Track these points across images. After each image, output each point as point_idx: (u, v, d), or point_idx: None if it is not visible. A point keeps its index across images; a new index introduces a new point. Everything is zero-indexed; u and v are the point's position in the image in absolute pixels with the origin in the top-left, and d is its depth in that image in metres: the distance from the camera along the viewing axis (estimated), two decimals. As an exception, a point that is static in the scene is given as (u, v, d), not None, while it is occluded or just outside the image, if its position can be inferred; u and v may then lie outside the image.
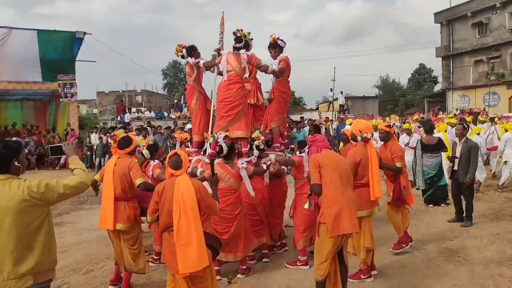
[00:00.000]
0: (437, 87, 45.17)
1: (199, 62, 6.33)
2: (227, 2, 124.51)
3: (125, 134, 5.24)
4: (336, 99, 29.45)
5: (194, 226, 3.63)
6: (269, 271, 5.55)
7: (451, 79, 34.29)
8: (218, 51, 6.57)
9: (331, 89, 30.13)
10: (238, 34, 6.15)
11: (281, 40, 6.61)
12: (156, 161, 5.98)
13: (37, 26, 19.88)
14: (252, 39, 6.89)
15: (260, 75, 7.16)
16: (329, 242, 4.11)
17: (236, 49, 6.08)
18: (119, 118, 21.04)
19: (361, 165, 5.06)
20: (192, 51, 6.41)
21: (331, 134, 11.71)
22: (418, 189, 9.04)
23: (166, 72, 61.61)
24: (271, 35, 6.59)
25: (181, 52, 6.42)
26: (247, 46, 6.71)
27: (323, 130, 6.55)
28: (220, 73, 6.73)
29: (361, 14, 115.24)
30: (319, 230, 4.19)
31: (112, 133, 5.77)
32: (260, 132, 6.28)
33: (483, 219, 7.74)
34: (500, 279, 5.04)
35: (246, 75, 6.11)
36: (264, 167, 5.58)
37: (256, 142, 5.93)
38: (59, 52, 19.64)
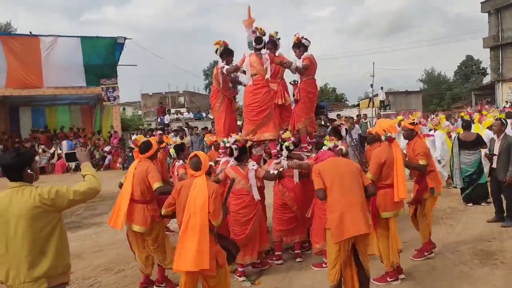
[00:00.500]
0: (486, 79, 43.17)
1: (223, 68, 6.30)
2: (269, 1, 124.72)
3: (146, 139, 5.37)
4: (377, 95, 28.76)
5: (200, 227, 3.74)
6: (294, 272, 5.52)
7: (500, 71, 32.58)
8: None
9: (371, 85, 29.42)
10: (258, 34, 6.12)
11: (306, 39, 6.55)
12: (181, 161, 6.10)
13: (86, 32, 20.67)
14: (279, 38, 6.88)
15: (287, 76, 7.14)
16: (335, 247, 4.09)
17: (257, 50, 6.06)
18: (159, 120, 21.59)
19: (386, 165, 4.92)
20: (225, 54, 6.30)
21: (352, 135, 11.45)
22: (455, 187, 8.71)
23: (207, 73, 62.49)
24: (295, 34, 6.54)
25: (219, 47, 6.34)
26: (275, 46, 6.71)
27: (343, 132, 6.38)
28: (235, 81, 6.74)
29: (404, 6, 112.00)
30: (325, 236, 4.22)
31: (133, 138, 5.94)
32: (290, 132, 6.28)
33: (526, 219, 7.30)
34: (538, 284, 4.76)
35: (268, 75, 6.09)
36: (275, 173, 5.59)
37: (286, 143, 5.92)
38: (102, 57, 20.45)
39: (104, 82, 20.15)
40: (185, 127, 18.09)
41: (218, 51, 6.38)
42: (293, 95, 7.01)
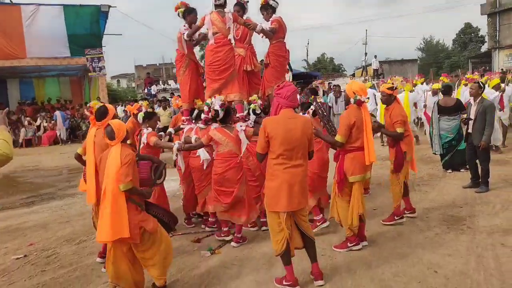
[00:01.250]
0: (485, 48, 42.46)
1: (184, 34, 5.99)
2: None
3: (101, 104, 5.10)
4: (370, 64, 28.30)
5: (113, 195, 3.67)
6: (257, 241, 5.39)
7: (497, 38, 31.95)
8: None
9: (366, 54, 28.94)
10: None
11: (274, 0, 6.23)
12: (150, 129, 5.86)
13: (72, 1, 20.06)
14: (248, 1, 6.56)
15: (257, 41, 6.83)
16: (271, 215, 3.99)
17: (218, 6, 5.75)
18: (146, 91, 21.26)
19: (355, 127, 4.70)
20: (187, 13, 6.02)
21: (335, 104, 11.33)
22: (435, 153, 8.54)
23: (203, 43, 61.51)
24: None
25: (180, 9, 6.08)
26: (243, 9, 6.41)
27: (320, 92, 6.18)
28: (197, 42, 6.41)
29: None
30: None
31: (88, 105, 5.68)
32: (258, 97, 6.06)
33: (502, 184, 7.17)
34: (501, 249, 4.63)
35: (231, 36, 5.82)
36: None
37: (252, 106, 5.76)
38: (86, 26, 19.90)
39: (88, 52, 19.68)
40: (170, 97, 17.77)
41: (180, 13, 6.10)
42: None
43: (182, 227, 6.01)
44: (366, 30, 29.88)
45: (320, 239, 4.88)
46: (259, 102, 5.87)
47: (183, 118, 6.32)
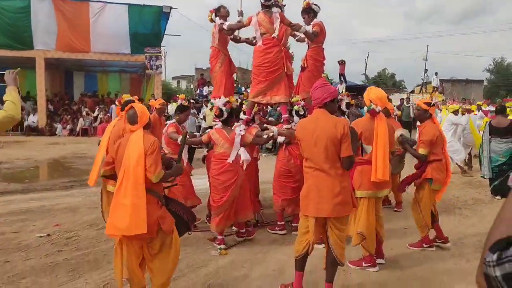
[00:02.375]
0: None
1: (223, 24, 6.02)
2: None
3: (130, 98, 5.17)
4: (431, 82, 27.12)
5: (134, 185, 3.23)
6: (274, 246, 5.21)
7: None
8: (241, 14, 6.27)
9: (426, 70, 27.79)
10: None
11: (315, 4, 6.15)
12: (173, 120, 5.89)
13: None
14: (284, 5, 6.46)
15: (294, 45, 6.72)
16: (302, 217, 3.76)
17: (265, 7, 5.70)
18: (198, 91, 21.66)
19: (362, 137, 4.35)
20: (217, 11, 6.09)
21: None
22: (483, 177, 7.93)
23: (241, 49, 62.15)
24: (305, 0, 6.08)
25: (211, 17, 6.16)
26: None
27: (343, 106, 5.96)
28: (248, 42, 6.42)
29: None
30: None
31: (120, 96, 5.77)
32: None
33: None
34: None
35: (275, 34, 5.74)
36: (265, 137, 5.37)
37: (295, 107, 5.71)
38: (147, 26, 20.68)
39: (148, 51, 20.39)
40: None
41: (213, 16, 6.11)
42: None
43: (202, 223, 5.96)
44: (428, 46, 28.56)
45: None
46: (302, 103, 5.76)
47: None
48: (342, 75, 20.68)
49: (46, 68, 20.34)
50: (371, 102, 4.39)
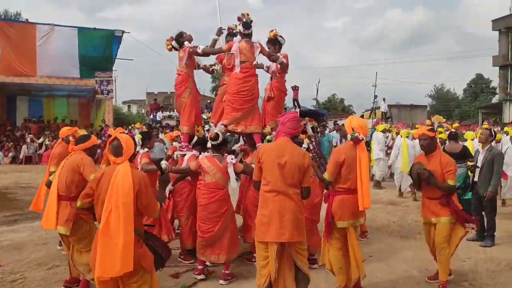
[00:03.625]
0: (496, 99, 42.40)
1: (197, 47, 5.86)
2: (283, 8, 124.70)
3: (86, 134, 4.90)
4: (379, 107, 28.16)
5: (123, 224, 3.10)
6: (239, 280, 4.98)
7: (508, 90, 31.92)
8: (220, 33, 6.29)
9: (375, 96, 28.80)
10: (244, 20, 5.80)
11: (281, 36, 6.22)
12: (146, 149, 5.58)
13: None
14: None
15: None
16: (259, 246, 3.76)
17: (245, 36, 5.72)
18: (151, 116, 21.22)
19: (345, 165, 4.30)
20: (179, 37, 5.92)
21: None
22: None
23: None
24: (271, 31, 6.16)
25: (170, 45, 5.97)
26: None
27: (309, 130, 5.95)
28: (207, 70, 6.32)
29: (421, 21, 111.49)
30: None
31: (75, 132, 5.45)
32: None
33: (508, 240, 6.71)
34: (505, 312, 4.19)
35: (254, 63, 5.81)
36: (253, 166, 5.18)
37: (268, 137, 5.69)
38: (98, 49, 20.21)
39: (98, 75, 19.83)
40: (176, 125, 17.64)
41: (173, 46, 5.96)
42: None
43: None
44: (376, 73, 29.94)
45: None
46: (274, 133, 5.69)
47: (182, 144, 6.00)
48: (295, 100, 21.02)
49: (-13, 93, 19.23)
50: (353, 130, 4.36)
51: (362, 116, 35.26)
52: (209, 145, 5.17)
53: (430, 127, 4.92)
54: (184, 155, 5.75)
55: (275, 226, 3.65)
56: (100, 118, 20.78)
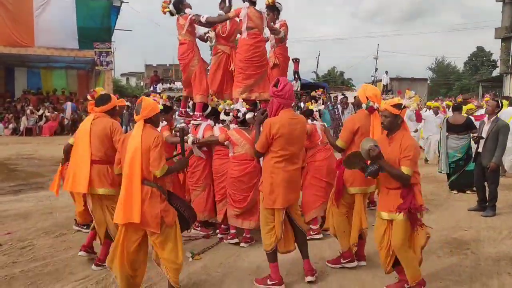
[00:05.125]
0: (496, 72, 42.07)
1: (200, 16, 5.66)
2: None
3: (105, 93, 4.75)
4: (380, 80, 28.01)
5: (129, 176, 3.48)
6: (245, 248, 5.06)
7: (510, 63, 31.56)
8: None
9: (376, 69, 28.64)
10: None
11: (278, 3, 6.15)
12: (165, 123, 5.49)
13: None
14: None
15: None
16: (266, 211, 3.98)
17: (253, 3, 5.63)
18: (151, 88, 21.05)
19: (359, 133, 4.28)
20: (179, 3, 5.70)
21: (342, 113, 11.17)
22: (440, 172, 8.20)
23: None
24: None
25: (168, 8, 5.73)
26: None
27: (320, 102, 5.99)
28: (202, 38, 6.14)
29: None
30: (259, 197, 4.16)
31: (92, 89, 5.32)
32: None
33: (509, 210, 6.79)
34: (508, 278, 4.27)
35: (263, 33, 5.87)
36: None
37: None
38: (96, 20, 19.82)
39: (97, 46, 19.56)
40: (178, 98, 17.53)
41: (170, 10, 5.71)
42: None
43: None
44: (378, 45, 29.73)
45: (313, 252, 4.53)
46: None
47: (196, 113, 5.69)
48: (296, 72, 20.84)
49: (-16, 64, 19.00)
50: (367, 99, 4.34)
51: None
52: (222, 117, 5.23)
53: (398, 103, 3.81)
54: (198, 125, 5.57)
55: (283, 194, 3.89)
56: (99, 90, 20.57)
